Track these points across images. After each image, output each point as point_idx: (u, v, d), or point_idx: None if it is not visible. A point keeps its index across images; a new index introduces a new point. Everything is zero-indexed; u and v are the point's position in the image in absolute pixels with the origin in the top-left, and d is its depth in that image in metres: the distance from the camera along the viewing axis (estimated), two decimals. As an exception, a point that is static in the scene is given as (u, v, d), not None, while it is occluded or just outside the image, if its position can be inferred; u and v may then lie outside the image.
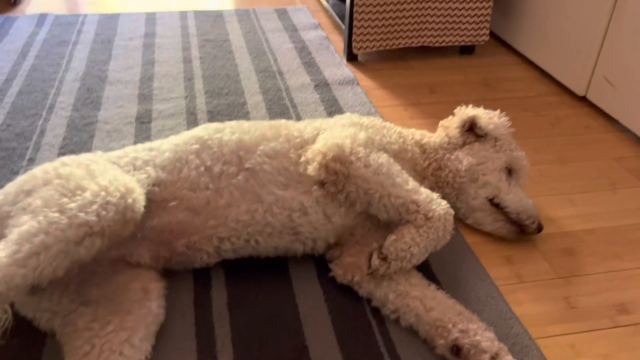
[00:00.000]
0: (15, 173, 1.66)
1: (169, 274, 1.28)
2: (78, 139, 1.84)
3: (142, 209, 1.12)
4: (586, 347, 1.17)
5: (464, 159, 1.43)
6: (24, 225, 1.00)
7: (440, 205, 1.20)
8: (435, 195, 1.23)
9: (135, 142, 1.82)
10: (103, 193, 1.05)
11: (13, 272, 0.95)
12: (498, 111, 1.49)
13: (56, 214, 1.00)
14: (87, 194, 1.04)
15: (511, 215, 1.42)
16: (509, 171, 1.45)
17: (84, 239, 1.02)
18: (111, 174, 1.13)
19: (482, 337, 1.06)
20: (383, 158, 1.26)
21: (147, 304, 1.15)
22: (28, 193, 1.08)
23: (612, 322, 1.23)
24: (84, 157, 1.26)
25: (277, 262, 1.34)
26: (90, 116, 1.97)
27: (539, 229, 1.42)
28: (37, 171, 1.14)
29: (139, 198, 1.12)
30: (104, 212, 1.04)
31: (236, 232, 1.24)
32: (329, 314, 1.22)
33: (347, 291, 1.27)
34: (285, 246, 1.29)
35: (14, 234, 0.99)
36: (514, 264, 1.39)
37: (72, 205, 1.02)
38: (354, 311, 1.23)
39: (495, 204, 1.43)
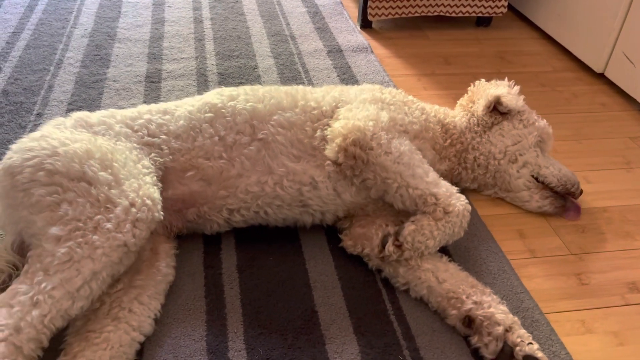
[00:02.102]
0: (22, 127, 1.63)
1: (179, 235, 1.26)
2: (87, 96, 1.80)
3: (161, 217, 1.10)
4: (596, 324, 1.16)
5: (498, 142, 1.41)
6: (57, 244, 0.97)
7: (459, 200, 1.17)
8: (454, 189, 1.20)
9: (144, 102, 1.79)
10: (134, 210, 1.03)
11: (68, 306, 0.95)
12: (506, 79, 1.48)
13: (96, 236, 0.98)
14: (119, 211, 1.02)
15: (557, 188, 1.41)
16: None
17: (122, 257, 1.02)
18: (135, 179, 1.09)
19: (496, 309, 1.06)
20: (405, 146, 1.22)
21: (156, 264, 1.15)
22: (49, 175, 1.02)
23: (623, 300, 1.22)
24: (98, 115, 1.23)
25: (287, 228, 1.33)
26: (99, 73, 1.94)
27: (581, 191, 1.43)
28: (60, 147, 1.06)
29: (160, 207, 1.10)
30: (137, 231, 1.03)
31: (246, 204, 1.23)
32: (339, 280, 1.22)
33: (357, 259, 1.26)
34: (294, 217, 1.28)
35: (52, 257, 0.95)
36: (526, 238, 1.37)
37: (109, 225, 1.00)
38: (364, 279, 1.22)
39: (539, 182, 1.42)
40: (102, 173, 1.05)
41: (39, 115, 1.70)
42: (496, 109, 1.42)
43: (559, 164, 1.44)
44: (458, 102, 1.53)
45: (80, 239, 0.98)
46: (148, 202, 1.06)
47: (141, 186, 1.08)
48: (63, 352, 0.99)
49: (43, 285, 0.93)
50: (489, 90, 1.44)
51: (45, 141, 1.07)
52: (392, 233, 1.17)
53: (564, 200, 1.43)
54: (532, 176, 1.42)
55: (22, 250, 1.09)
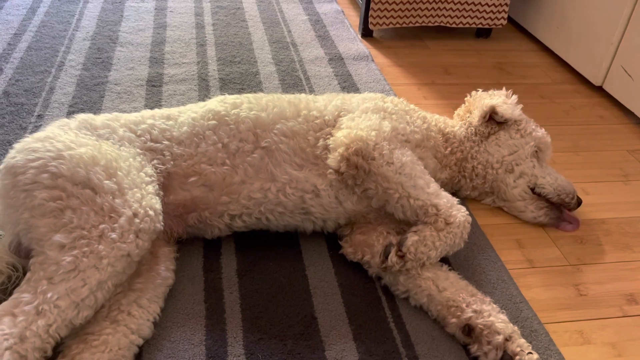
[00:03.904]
0: (23, 128, 1.63)
1: (179, 240, 1.26)
2: (88, 99, 1.80)
3: (162, 227, 1.11)
4: (594, 335, 1.17)
5: (495, 152, 1.41)
6: (62, 252, 0.96)
7: (460, 212, 1.18)
8: (455, 200, 1.20)
9: (145, 106, 1.79)
10: (137, 220, 1.03)
11: (73, 315, 0.95)
12: (504, 89, 1.48)
13: (101, 246, 0.98)
14: (123, 221, 1.02)
15: (553, 199, 1.41)
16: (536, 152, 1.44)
17: (126, 267, 1.03)
18: (137, 188, 1.08)
19: (496, 318, 1.06)
20: (407, 156, 1.22)
21: (155, 267, 1.15)
22: (53, 178, 1.02)
23: (621, 311, 1.23)
24: (103, 118, 1.23)
25: (287, 234, 1.33)
26: (100, 76, 1.94)
27: (579, 203, 1.43)
28: (65, 150, 1.06)
29: (161, 217, 1.10)
30: (140, 242, 1.03)
31: (248, 210, 1.23)
32: (339, 287, 1.22)
33: (357, 265, 1.26)
34: (296, 224, 1.29)
35: (57, 266, 0.95)
36: (525, 248, 1.38)
37: (114, 235, 1.00)
38: (364, 286, 1.22)
39: (535, 193, 1.43)
40: (106, 181, 1.05)
41: (39, 116, 1.69)
42: (492, 118, 1.43)
43: (556, 173, 1.44)
44: (455, 112, 1.54)
45: (86, 248, 0.97)
46: (150, 212, 1.06)
47: (144, 196, 1.08)
48: (61, 354, 0.98)
49: (49, 295, 0.93)
50: (484, 100, 1.45)
51: (49, 143, 1.07)
52: (395, 243, 1.17)
53: (559, 211, 1.43)
54: (529, 186, 1.43)
55: (19, 251, 1.09)
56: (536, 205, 1.42)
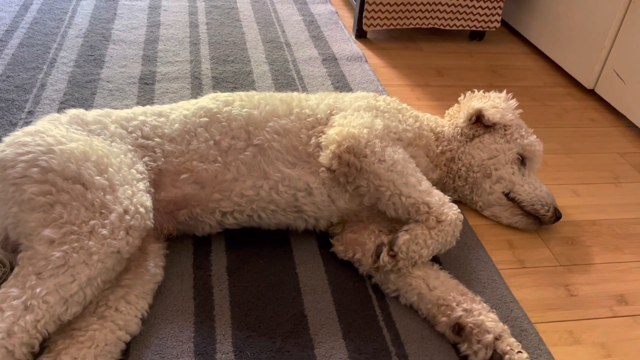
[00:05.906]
0: (13, 124, 1.62)
1: (169, 237, 1.25)
2: (79, 96, 1.79)
3: (152, 225, 1.10)
4: (584, 335, 1.17)
5: (476, 155, 1.41)
6: (51, 247, 0.95)
7: (452, 209, 1.17)
8: (447, 198, 1.20)
9: (138, 103, 1.79)
10: (127, 217, 1.03)
11: (62, 311, 0.94)
12: (504, 93, 1.46)
13: (92, 242, 0.97)
14: (113, 217, 1.01)
15: (526, 207, 1.40)
16: (522, 159, 1.43)
17: (115, 264, 1.02)
18: (128, 185, 1.08)
19: (486, 317, 1.06)
20: (399, 154, 1.22)
21: (144, 263, 1.14)
22: (43, 172, 1.01)
23: (611, 312, 1.23)
24: (94, 113, 1.23)
25: (278, 232, 1.33)
26: (92, 73, 1.93)
27: (557, 217, 1.40)
28: (56, 145, 1.05)
29: (151, 215, 1.10)
30: (130, 239, 1.03)
31: (240, 207, 1.23)
32: (329, 285, 1.21)
33: (347, 264, 1.26)
34: (288, 222, 1.28)
35: (46, 261, 0.94)
36: (516, 249, 1.38)
37: (104, 232, 0.99)
38: (354, 284, 1.22)
39: (510, 198, 1.42)
40: (97, 177, 1.04)
41: (30, 113, 1.68)
42: (480, 121, 1.43)
43: (541, 184, 1.42)
44: (447, 111, 1.54)
45: (76, 244, 0.96)
46: (141, 210, 1.06)
47: (134, 193, 1.07)
48: (47, 349, 0.97)
49: (38, 290, 0.92)
50: (472, 102, 1.44)
51: (40, 137, 1.06)
52: (387, 243, 1.17)
53: (537, 219, 1.41)
54: (504, 193, 1.41)
55: (6, 245, 1.08)
56: (511, 212, 1.41)
